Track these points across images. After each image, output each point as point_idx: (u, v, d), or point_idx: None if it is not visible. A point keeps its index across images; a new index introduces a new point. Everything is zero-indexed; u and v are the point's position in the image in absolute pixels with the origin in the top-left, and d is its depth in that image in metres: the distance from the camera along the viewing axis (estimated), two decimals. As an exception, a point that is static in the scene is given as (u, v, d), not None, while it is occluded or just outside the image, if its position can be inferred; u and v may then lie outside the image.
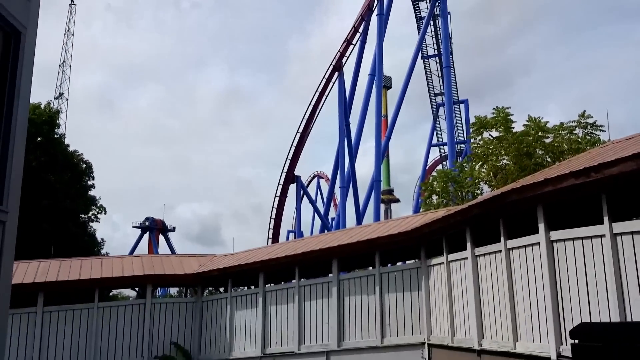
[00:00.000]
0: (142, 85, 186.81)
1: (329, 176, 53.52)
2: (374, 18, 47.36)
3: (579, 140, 21.57)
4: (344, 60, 47.28)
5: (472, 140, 25.31)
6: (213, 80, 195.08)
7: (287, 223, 63.30)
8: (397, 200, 78.77)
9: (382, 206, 56.21)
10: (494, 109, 23.37)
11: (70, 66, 73.08)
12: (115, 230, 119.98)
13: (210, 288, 23.14)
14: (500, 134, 22.89)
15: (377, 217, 43.50)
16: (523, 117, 22.65)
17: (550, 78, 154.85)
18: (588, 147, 19.38)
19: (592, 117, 21.92)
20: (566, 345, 9.07)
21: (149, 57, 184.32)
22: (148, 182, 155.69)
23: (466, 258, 12.43)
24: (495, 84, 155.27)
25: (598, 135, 21.68)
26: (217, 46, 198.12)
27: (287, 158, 47.60)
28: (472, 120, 25.97)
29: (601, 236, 8.77)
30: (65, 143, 36.95)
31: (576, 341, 4.74)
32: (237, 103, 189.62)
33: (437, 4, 50.47)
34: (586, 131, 21.94)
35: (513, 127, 22.80)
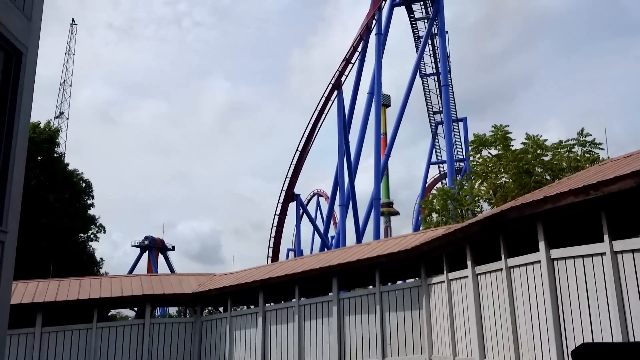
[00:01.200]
0: (143, 98, 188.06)
1: (329, 194, 53.51)
2: (373, 37, 47.84)
3: (578, 158, 21.63)
4: (343, 78, 47.60)
5: (471, 158, 25.38)
6: (215, 92, 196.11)
7: (287, 241, 63.18)
8: (397, 213, 78.38)
9: (382, 224, 56.10)
10: (492, 126, 23.49)
11: (70, 85, 73.48)
12: (115, 249, 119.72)
13: (209, 307, 22.98)
14: (499, 152, 22.96)
15: (377, 235, 43.41)
16: (525, 132, 22.72)
17: (552, 92, 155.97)
18: (587, 165, 19.42)
19: (590, 135, 22.04)
20: (568, 364, 8.99)
21: (151, 71, 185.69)
22: (149, 196, 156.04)
23: (467, 276, 12.37)
24: (496, 98, 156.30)
25: (597, 153, 21.75)
26: (218, 58, 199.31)
27: (286, 176, 47.68)
28: (471, 138, 26.04)
29: (602, 254, 8.74)
30: (65, 162, 37.02)
31: (578, 361, 4.70)
32: (238, 115, 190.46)
33: (434, 23, 50.95)
34: (585, 149, 22.01)
35: (512, 145, 22.89)
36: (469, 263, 12.25)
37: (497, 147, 23.14)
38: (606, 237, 8.63)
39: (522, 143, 22.61)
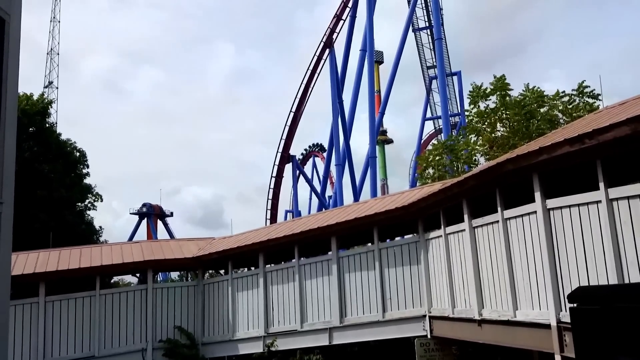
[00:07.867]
0: (145, 67, 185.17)
1: (325, 154, 53.46)
2: (363, -8, 46.86)
3: (577, 107, 21.46)
4: (334, 36, 46.89)
5: (467, 113, 25.18)
6: (218, 58, 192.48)
7: (284, 203, 63.45)
8: (391, 141, 78.18)
9: (379, 182, 56.09)
10: (494, 76, 23.19)
11: (58, 54, 72.24)
12: (117, 217, 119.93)
13: (211, 271, 23.24)
14: (496, 104, 22.75)
15: (374, 193, 43.59)
16: (535, 85, 22.21)
17: (563, 44, 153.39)
18: (584, 115, 19.28)
19: (589, 87, 21.78)
20: (565, 311, 9.15)
21: (150, 39, 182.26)
22: (154, 164, 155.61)
23: (464, 230, 12.48)
24: (506, 52, 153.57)
25: (594, 102, 21.51)
26: (218, 23, 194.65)
27: (281, 138, 47.57)
28: (465, 91, 25.81)
29: (597, 202, 8.80)
30: (57, 132, 36.71)
31: (574, 305, 4.76)
32: (244, 80, 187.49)
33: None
34: (581, 99, 21.82)
35: (510, 96, 22.65)
36: (466, 217, 12.34)
37: (494, 101, 22.88)
38: (602, 184, 8.67)
39: (520, 94, 22.36)
